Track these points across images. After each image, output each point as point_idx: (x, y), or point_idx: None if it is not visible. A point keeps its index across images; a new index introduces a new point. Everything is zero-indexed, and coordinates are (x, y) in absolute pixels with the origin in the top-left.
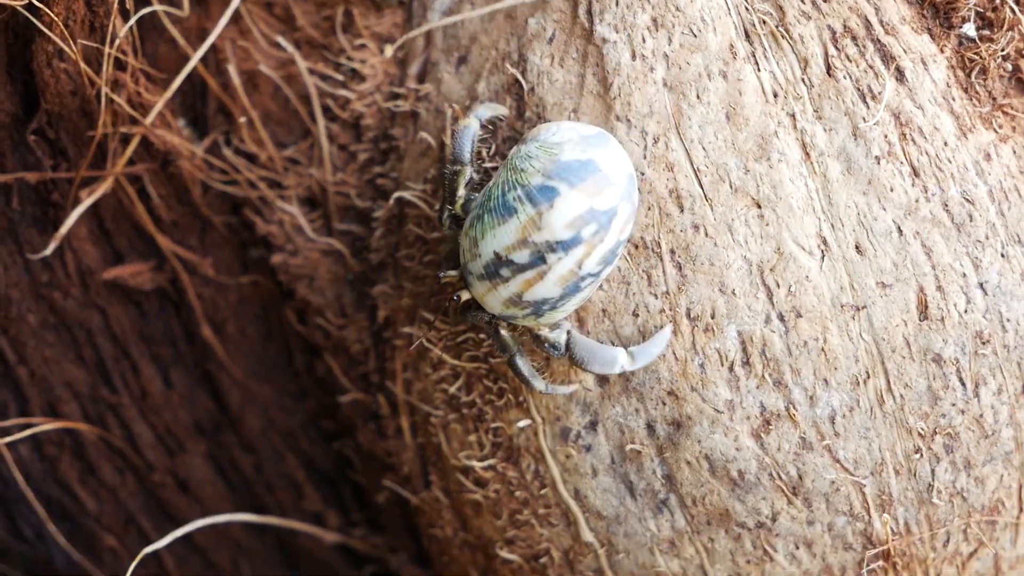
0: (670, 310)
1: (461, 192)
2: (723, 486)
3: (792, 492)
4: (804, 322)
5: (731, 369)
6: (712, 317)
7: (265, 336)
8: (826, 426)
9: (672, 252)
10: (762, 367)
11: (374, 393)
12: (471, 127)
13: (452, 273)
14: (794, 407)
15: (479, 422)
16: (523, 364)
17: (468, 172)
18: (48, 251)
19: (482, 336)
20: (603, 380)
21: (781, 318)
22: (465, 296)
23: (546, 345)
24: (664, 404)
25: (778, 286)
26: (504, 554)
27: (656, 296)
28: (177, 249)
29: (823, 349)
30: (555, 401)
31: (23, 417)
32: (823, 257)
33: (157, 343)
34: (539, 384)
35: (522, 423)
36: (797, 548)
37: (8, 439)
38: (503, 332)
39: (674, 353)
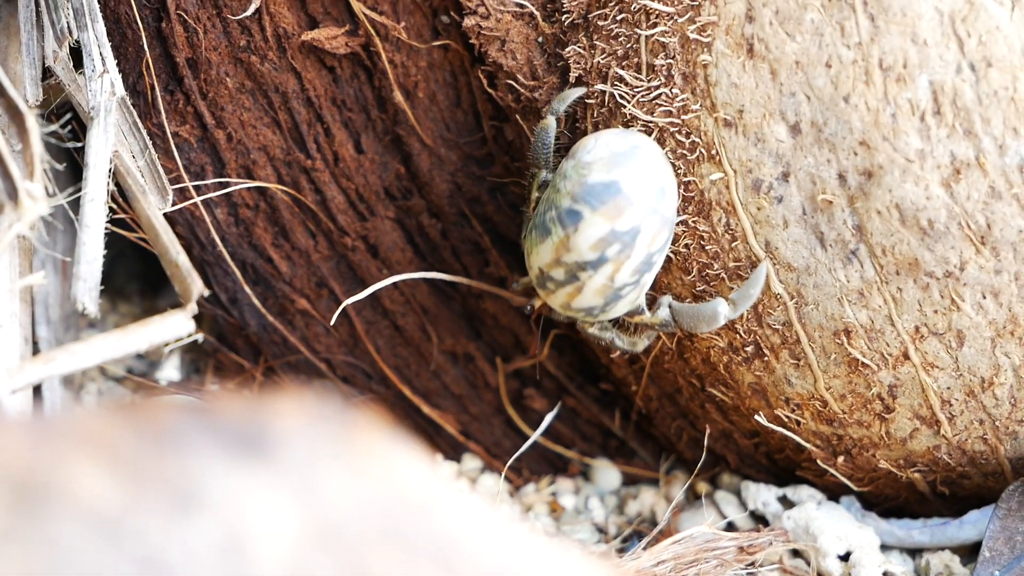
0: (862, 60)
1: (535, 195)
2: (912, 235)
3: (980, 241)
4: (994, 71)
5: (922, 118)
6: (904, 67)
7: (454, 102)
8: (1015, 175)
9: (864, 3)
10: (952, 116)
11: (563, 153)
12: (548, 128)
13: (524, 280)
14: (984, 156)
15: None
16: (621, 343)
17: (543, 175)
18: (248, 12)
19: (675, 91)
20: (796, 131)
21: (972, 67)
22: (539, 302)
23: (657, 326)
24: (856, 154)
25: (969, 36)
26: None
27: (849, 47)
28: (370, 13)
29: (1012, 98)
30: (748, 153)
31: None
32: (1013, 7)
33: (349, 108)
34: (642, 344)
35: (714, 176)
36: (984, 297)
37: (204, 196)
38: (590, 329)
39: (866, 103)
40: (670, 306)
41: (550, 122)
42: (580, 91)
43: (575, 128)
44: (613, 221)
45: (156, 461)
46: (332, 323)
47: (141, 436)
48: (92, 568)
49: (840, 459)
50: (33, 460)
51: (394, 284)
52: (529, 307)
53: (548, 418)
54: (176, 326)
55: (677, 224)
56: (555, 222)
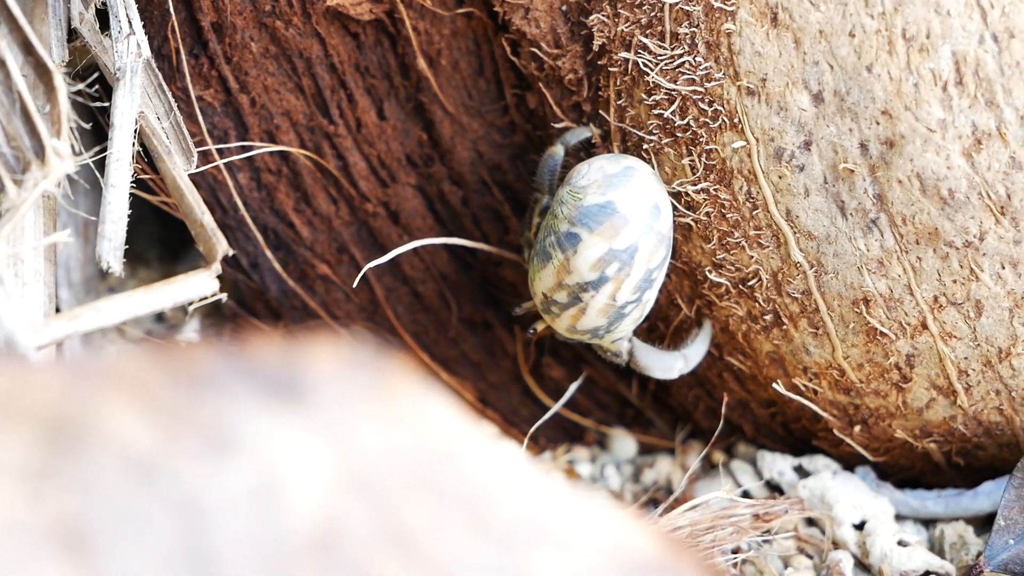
0: (886, 30)
1: (536, 219)
2: (933, 205)
3: (1000, 211)
4: (1017, 42)
5: (944, 89)
6: (927, 37)
7: (477, 70)
8: None
9: None
10: (975, 87)
11: (586, 122)
12: (556, 156)
13: (527, 304)
14: (1005, 126)
15: (693, 145)
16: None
17: (545, 200)
18: None
19: (698, 60)
20: (818, 100)
21: (995, 38)
22: (541, 326)
23: (609, 354)
24: (878, 123)
25: (992, 7)
26: (713, 277)
27: (872, 17)
28: None
29: None
30: (770, 122)
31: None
32: None
33: (372, 75)
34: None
35: (736, 144)
36: (1003, 267)
37: (227, 160)
38: (608, 346)
39: (889, 73)
40: (631, 340)
41: (558, 150)
42: (588, 132)
43: (597, 97)
44: (611, 241)
45: (191, 404)
46: (353, 288)
47: (176, 379)
48: (126, 509)
49: (856, 429)
50: (68, 401)
51: (414, 251)
52: (532, 330)
53: (572, 388)
54: (200, 285)
55: (699, 192)
56: (554, 247)
